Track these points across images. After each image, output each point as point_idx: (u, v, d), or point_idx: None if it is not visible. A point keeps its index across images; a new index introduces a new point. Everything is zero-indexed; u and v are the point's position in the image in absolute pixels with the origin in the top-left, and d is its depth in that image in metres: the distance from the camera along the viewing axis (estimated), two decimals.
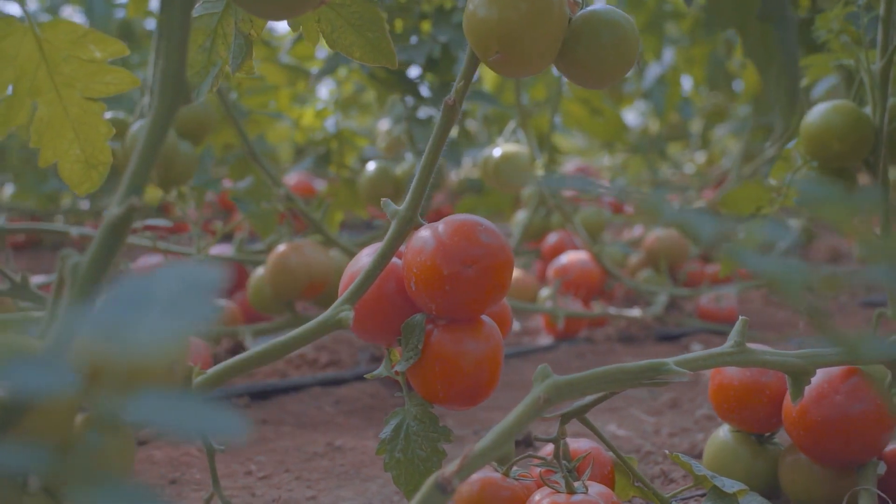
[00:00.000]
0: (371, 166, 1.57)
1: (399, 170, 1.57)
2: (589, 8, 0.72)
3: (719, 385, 0.82)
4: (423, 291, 0.69)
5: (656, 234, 1.85)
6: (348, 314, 0.69)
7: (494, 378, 0.71)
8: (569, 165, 3.85)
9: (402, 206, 0.72)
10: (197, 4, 0.77)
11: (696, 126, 3.57)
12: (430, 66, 1.47)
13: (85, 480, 0.26)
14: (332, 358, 1.39)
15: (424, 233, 0.70)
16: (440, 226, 0.70)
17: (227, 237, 1.62)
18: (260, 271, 1.34)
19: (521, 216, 1.87)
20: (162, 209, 2.02)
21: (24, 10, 0.58)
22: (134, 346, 0.24)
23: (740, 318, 0.72)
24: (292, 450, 1.07)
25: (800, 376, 0.73)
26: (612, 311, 1.54)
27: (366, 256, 0.73)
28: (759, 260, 0.29)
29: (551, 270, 1.61)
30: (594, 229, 1.88)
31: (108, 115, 1.37)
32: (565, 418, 0.75)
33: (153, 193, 1.26)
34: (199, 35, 0.77)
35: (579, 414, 0.75)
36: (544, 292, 1.59)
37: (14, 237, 2.48)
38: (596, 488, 0.74)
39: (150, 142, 0.50)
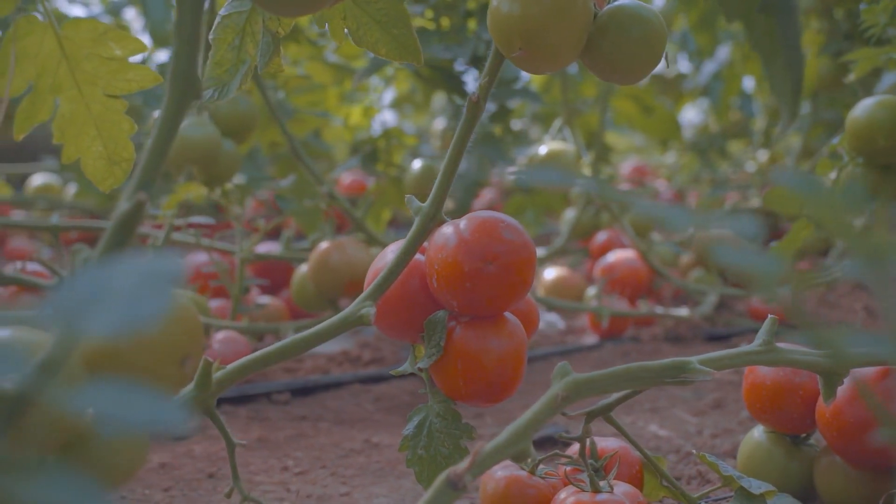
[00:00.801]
0: (416, 164, 1.57)
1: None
2: (616, 2, 0.71)
3: (752, 384, 0.81)
4: (444, 288, 0.69)
5: (707, 234, 1.82)
6: (370, 311, 0.69)
7: (517, 376, 0.71)
8: (625, 164, 3.82)
9: (425, 203, 0.72)
10: (226, 2, 0.78)
11: (759, 123, 3.52)
12: (475, 63, 1.46)
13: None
14: (375, 355, 1.39)
15: (447, 229, 0.70)
16: (462, 222, 0.70)
17: (273, 234, 1.64)
18: (303, 269, 1.35)
19: (570, 214, 1.86)
20: (216, 207, 2.04)
21: (46, 9, 0.59)
22: (86, 337, 0.24)
23: (769, 316, 0.71)
24: (329, 446, 1.08)
25: (831, 376, 0.72)
26: (659, 310, 1.52)
27: (391, 253, 0.73)
28: (734, 254, 0.29)
29: (597, 269, 1.59)
30: (644, 228, 1.86)
31: (157, 114, 1.40)
32: (590, 416, 0.74)
33: (198, 191, 1.28)
34: (229, 33, 0.78)
35: (604, 412, 0.74)
36: (591, 291, 1.58)
37: (80, 234, 2.53)
38: (622, 487, 0.73)
39: (160, 138, 0.50)
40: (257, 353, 0.65)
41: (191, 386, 0.62)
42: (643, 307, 1.51)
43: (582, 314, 1.63)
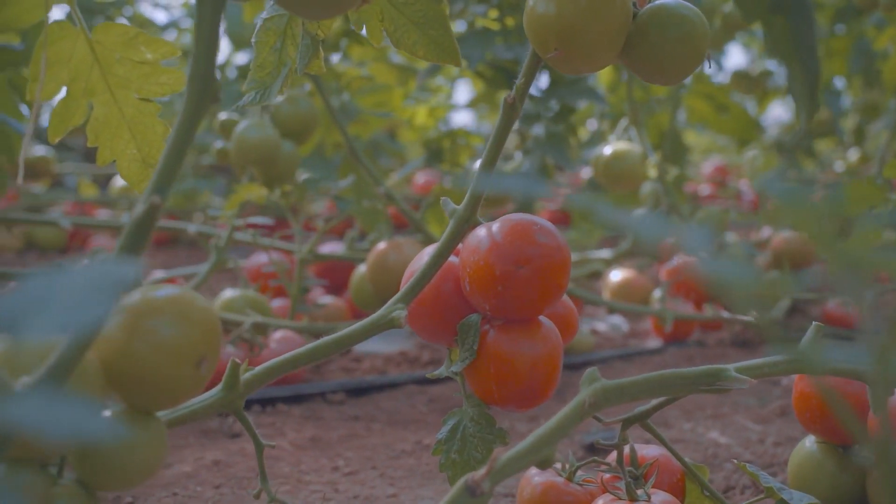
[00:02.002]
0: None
1: (508, 167, 1.56)
2: (656, 1, 0.70)
3: (801, 393, 0.78)
4: (476, 291, 0.68)
5: (783, 236, 1.78)
6: (401, 313, 0.69)
7: (551, 380, 0.70)
8: (707, 164, 3.76)
9: (460, 206, 0.72)
10: (267, 5, 0.78)
11: (850, 122, 3.43)
12: None
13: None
14: (433, 356, 1.39)
15: (480, 232, 0.69)
16: (495, 225, 0.69)
17: (341, 234, 1.65)
18: (362, 269, 1.36)
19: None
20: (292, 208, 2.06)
21: (76, 14, 0.60)
22: (24, 342, 0.24)
23: (813, 323, 0.69)
24: (381, 447, 1.08)
25: (881, 386, 0.69)
26: (726, 314, 1.49)
27: (427, 255, 0.73)
28: (707, 262, 0.27)
29: (663, 272, 1.57)
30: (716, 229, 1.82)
31: (223, 115, 1.42)
32: (626, 423, 0.73)
33: (257, 192, 1.29)
34: (270, 36, 0.78)
35: (642, 419, 0.73)
36: (657, 294, 1.56)
37: (156, 234, 2.59)
38: (661, 496, 0.71)
39: (177, 140, 0.51)
40: (288, 355, 0.65)
41: (219, 387, 0.63)
42: (708, 311, 1.48)
43: (647, 317, 1.60)
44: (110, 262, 0.27)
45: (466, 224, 0.71)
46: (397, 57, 1.64)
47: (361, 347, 1.43)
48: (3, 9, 0.64)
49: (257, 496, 0.67)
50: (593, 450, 1.03)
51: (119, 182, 2.61)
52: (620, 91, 1.80)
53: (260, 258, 1.42)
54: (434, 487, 0.98)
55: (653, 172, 1.55)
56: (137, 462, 0.52)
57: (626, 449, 0.78)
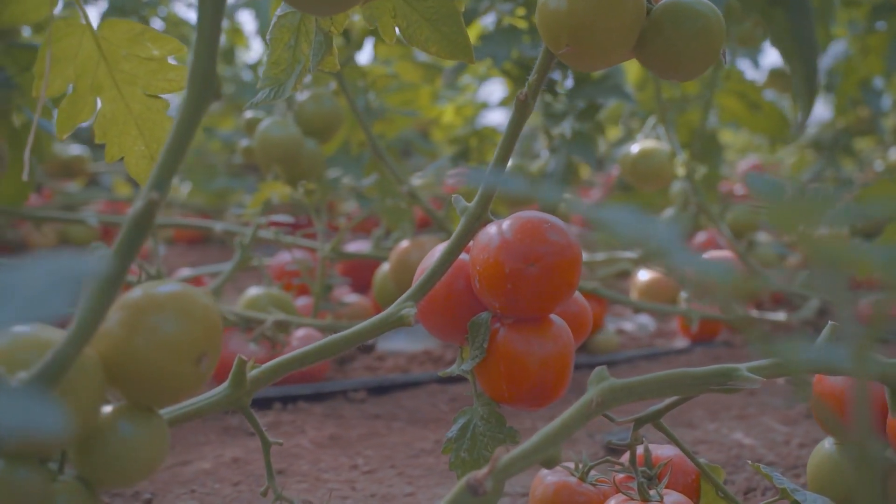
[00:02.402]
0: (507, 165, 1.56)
1: (534, 166, 1.55)
2: None
3: (819, 394, 0.77)
4: (486, 289, 0.68)
5: (816, 233, 1.76)
6: (410, 311, 0.68)
7: (562, 379, 0.69)
8: (743, 163, 3.72)
9: (471, 203, 0.71)
10: (281, 3, 0.78)
11: (891, 120, 3.37)
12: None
13: None
14: (457, 355, 1.38)
15: (491, 229, 0.69)
16: (506, 223, 0.68)
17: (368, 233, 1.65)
18: (385, 268, 1.36)
19: (668, 214, 1.81)
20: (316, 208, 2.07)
21: (82, 9, 0.60)
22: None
23: (829, 323, 0.68)
24: (400, 445, 1.08)
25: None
26: (754, 314, 1.47)
27: (438, 253, 0.73)
28: (686, 259, 0.27)
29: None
30: (746, 228, 1.81)
31: (249, 114, 1.42)
32: (638, 423, 0.72)
33: (281, 190, 1.29)
34: (285, 33, 0.78)
35: (654, 419, 0.72)
36: (684, 294, 1.54)
37: (188, 232, 2.61)
38: (673, 497, 0.71)
39: (177, 137, 0.51)
40: (297, 352, 0.65)
41: (226, 384, 0.63)
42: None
43: (674, 317, 1.59)
44: (74, 256, 0.27)
45: (477, 221, 0.71)
46: (423, 55, 1.63)
47: (385, 346, 1.43)
48: (9, 5, 0.64)
49: (264, 494, 0.66)
50: (615, 450, 1.02)
51: None
52: (649, 88, 1.79)
53: (285, 256, 1.43)
54: (451, 486, 0.97)
55: (681, 171, 1.54)
56: (138, 458, 0.52)
57: (641, 449, 0.78)
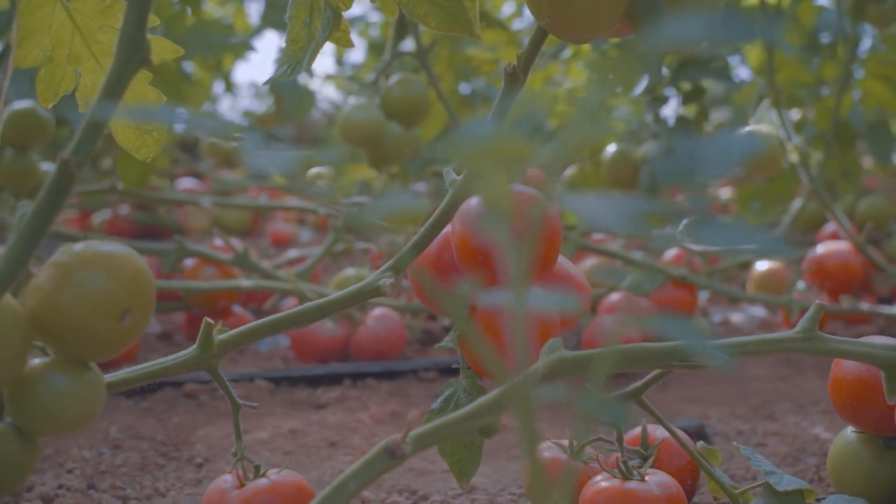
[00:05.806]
0: (611, 149, 1.53)
1: (639, 152, 1.52)
2: None
3: (834, 379, 0.73)
4: (462, 261, 0.68)
5: (867, 201, 1.67)
6: (387, 281, 0.69)
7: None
8: None
9: (460, 176, 0.71)
10: None
11: None
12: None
13: None
14: None
15: (472, 202, 0.69)
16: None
17: None
18: None
19: (796, 204, 1.73)
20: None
21: None
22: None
23: (815, 303, 0.64)
24: None
25: (893, 370, 0.63)
26: (865, 306, 1.39)
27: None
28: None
29: (805, 261, 1.48)
30: (881, 219, 1.70)
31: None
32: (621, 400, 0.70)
33: (367, 173, 1.32)
34: (301, 11, 0.80)
35: (636, 395, 0.70)
36: (800, 285, 1.47)
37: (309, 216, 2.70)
38: (658, 477, 0.68)
39: (100, 102, 0.53)
40: (267, 319, 0.67)
41: (193, 347, 0.65)
42: (846, 303, 1.38)
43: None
44: None
45: (465, 195, 0.70)
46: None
47: None
48: None
49: (234, 454, 0.68)
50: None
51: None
52: (785, 70, 1.71)
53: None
54: (493, 465, 0.98)
55: (793, 157, 1.47)
56: (68, 409, 0.55)
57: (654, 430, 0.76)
